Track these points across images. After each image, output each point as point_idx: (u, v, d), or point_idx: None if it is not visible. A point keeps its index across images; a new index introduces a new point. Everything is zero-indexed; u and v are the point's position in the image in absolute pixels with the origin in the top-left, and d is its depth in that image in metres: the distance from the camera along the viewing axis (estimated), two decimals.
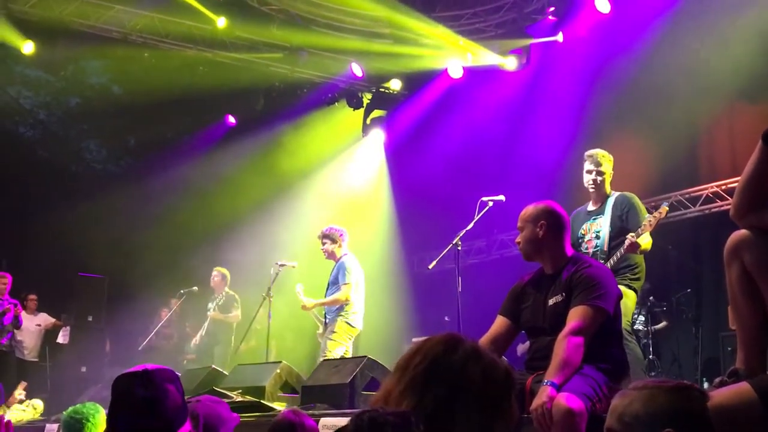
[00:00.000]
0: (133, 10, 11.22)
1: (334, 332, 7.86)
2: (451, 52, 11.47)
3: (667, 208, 6.04)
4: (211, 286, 10.55)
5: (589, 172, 6.07)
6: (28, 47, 11.44)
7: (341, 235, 8.20)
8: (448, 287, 7.57)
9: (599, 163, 6.04)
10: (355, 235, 12.34)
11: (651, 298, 9.30)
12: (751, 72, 8.76)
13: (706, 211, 9.88)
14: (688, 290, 9.48)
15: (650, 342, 8.98)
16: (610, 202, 6.01)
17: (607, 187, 6.08)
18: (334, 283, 8.00)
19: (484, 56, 11.24)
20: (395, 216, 13.07)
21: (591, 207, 6.13)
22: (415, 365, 1.87)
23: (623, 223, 5.87)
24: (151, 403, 2.33)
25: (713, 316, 9.25)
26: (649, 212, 5.93)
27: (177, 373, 2.53)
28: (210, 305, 10.44)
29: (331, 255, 8.16)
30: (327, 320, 8.05)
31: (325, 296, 8.09)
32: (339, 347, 7.81)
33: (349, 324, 7.93)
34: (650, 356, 8.92)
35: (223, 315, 10.24)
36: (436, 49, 11.44)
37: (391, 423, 1.65)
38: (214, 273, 10.50)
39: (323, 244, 8.12)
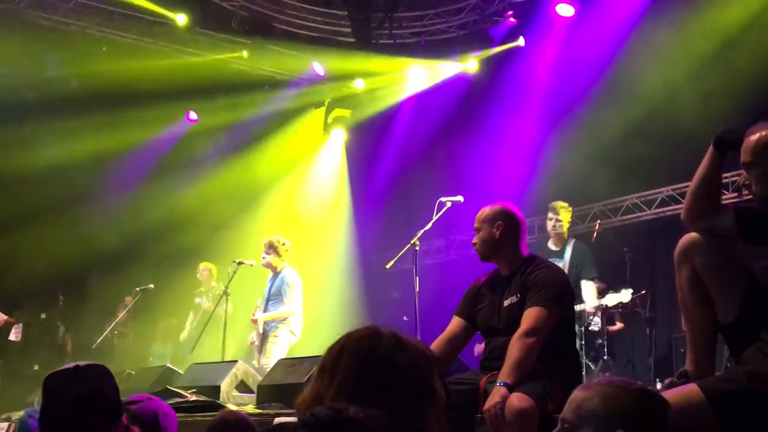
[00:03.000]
0: (92, 3, 11.07)
1: (277, 337, 8.25)
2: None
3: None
4: (199, 280, 10.55)
5: (551, 219, 7.85)
6: None
7: (286, 249, 8.48)
8: (407, 287, 7.57)
9: (557, 212, 7.84)
10: (314, 234, 12.37)
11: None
12: (711, 77, 8.90)
13: (661, 214, 10.03)
14: (643, 292, 9.59)
15: (605, 343, 9.06)
16: (569, 247, 7.77)
17: (565, 232, 7.84)
18: (276, 296, 8.36)
19: (443, 69, 11.39)
20: (355, 216, 13.07)
21: (552, 247, 7.77)
22: (344, 364, 1.85)
23: (578, 272, 7.72)
24: (85, 400, 2.29)
25: (667, 317, 9.37)
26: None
27: (109, 370, 2.49)
28: (198, 300, 10.41)
29: (269, 265, 8.43)
30: (267, 328, 8.37)
31: (266, 306, 8.44)
32: (281, 350, 8.15)
33: (291, 332, 8.33)
34: (605, 357, 9.00)
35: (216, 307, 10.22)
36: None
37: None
38: (202, 267, 10.50)
39: (267, 254, 8.29)
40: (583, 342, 8.84)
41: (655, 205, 10.18)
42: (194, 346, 8.96)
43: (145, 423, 2.97)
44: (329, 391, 1.82)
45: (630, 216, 10.40)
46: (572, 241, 7.91)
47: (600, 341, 9.07)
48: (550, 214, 7.94)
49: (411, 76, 11.77)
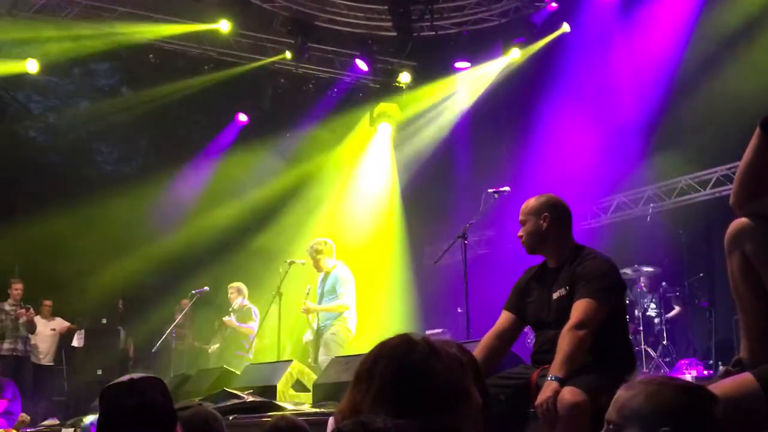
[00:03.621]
0: (137, 12, 11.25)
1: (335, 334, 8.04)
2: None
3: None
4: (230, 300, 10.62)
5: None
6: (31, 66, 11.50)
7: (330, 248, 8.29)
8: (459, 279, 7.54)
9: None
10: (366, 229, 12.41)
11: (663, 283, 9.25)
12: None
13: (717, 194, 9.82)
14: (701, 274, 9.41)
15: (664, 327, 8.93)
16: None
17: None
18: (330, 292, 8.14)
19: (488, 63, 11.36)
20: (405, 209, 13.06)
21: None
22: (381, 372, 1.85)
23: None
24: (138, 412, 2.35)
25: (727, 299, 9.17)
26: None
27: (163, 381, 2.54)
28: (227, 318, 10.49)
29: (320, 267, 8.25)
30: (322, 325, 8.19)
31: (320, 303, 8.23)
32: (338, 347, 7.99)
33: (347, 329, 8.12)
34: (664, 342, 8.88)
35: (236, 324, 10.32)
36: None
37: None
38: (230, 289, 10.51)
39: (315, 258, 8.20)
40: (641, 328, 8.74)
41: (709, 186, 9.98)
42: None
43: (195, 428, 3.03)
44: (366, 400, 1.82)
45: (684, 198, 10.22)
46: None
47: (659, 327, 8.96)
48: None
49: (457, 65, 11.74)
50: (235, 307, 10.20)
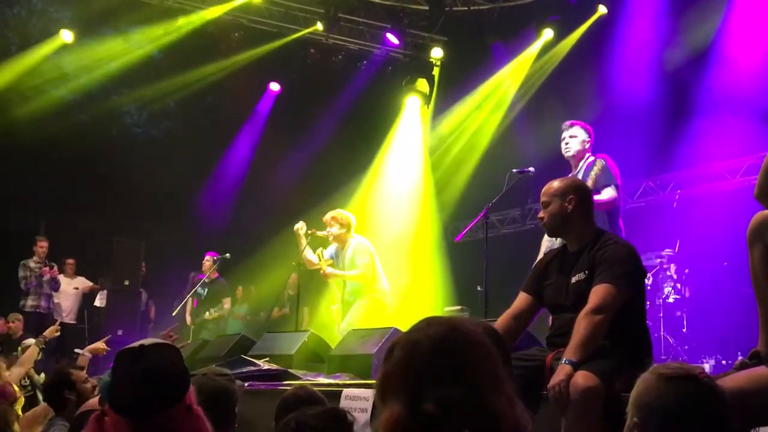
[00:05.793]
0: None
1: (362, 307, 7.66)
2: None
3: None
4: (203, 271, 10.77)
5: (563, 140, 6.32)
6: (66, 36, 11.96)
7: (351, 221, 7.96)
8: (481, 257, 7.46)
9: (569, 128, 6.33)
10: (395, 203, 12.40)
11: (686, 270, 9.15)
12: None
13: (746, 183, 9.70)
14: (725, 264, 9.31)
15: (684, 315, 8.85)
16: (584, 165, 6.17)
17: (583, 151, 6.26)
18: (350, 264, 7.76)
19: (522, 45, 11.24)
20: (432, 184, 13.02)
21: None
22: (437, 355, 1.74)
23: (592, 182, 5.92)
24: (146, 377, 2.35)
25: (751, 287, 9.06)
26: None
27: (176, 346, 2.54)
28: (200, 290, 10.71)
29: (338, 238, 7.92)
30: (350, 299, 7.84)
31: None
32: (363, 317, 7.59)
33: (380, 300, 7.79)
34: (683, 329, 8.81)
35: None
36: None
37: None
38: (206, 259, 10.74)
39: (331, 227, 7.85)
40: (661, 314, 8.68)
41: (740, 174, 9.86)
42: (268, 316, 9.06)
43: (206, 396, 3.04)
44: (429, 382, 1.76)
45: (712, 184, 10.11)
46: (588, 158, 6.24)
47: (679, 313, 8.88)
48: (563, 134, 6.39)
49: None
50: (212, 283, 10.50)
